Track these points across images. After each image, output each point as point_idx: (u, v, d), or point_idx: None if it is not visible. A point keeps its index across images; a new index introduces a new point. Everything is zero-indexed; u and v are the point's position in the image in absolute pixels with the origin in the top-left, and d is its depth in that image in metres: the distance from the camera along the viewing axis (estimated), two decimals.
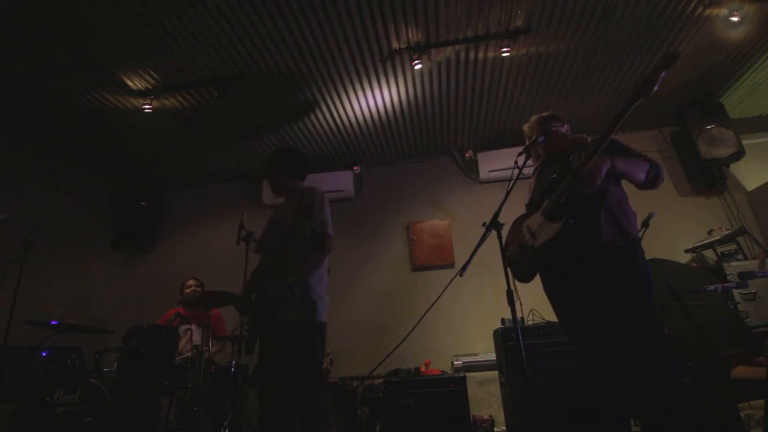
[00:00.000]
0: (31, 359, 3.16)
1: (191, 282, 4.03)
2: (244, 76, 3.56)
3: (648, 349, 1.66)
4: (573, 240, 1.83)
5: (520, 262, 2.11)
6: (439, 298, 2.62)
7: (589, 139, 2.05)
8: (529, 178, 2.30)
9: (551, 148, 2.12)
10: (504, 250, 2.00)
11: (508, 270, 1.96)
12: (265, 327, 2.03)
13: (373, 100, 4.02)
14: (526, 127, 2.25)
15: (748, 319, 3.21)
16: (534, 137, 2.07)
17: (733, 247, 3.79)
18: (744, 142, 4.18)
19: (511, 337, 3.15)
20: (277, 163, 2.39)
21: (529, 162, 2.10)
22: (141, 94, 3.67)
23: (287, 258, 2.07)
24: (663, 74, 1.54)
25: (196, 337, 3.55)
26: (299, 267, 2.02)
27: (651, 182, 1.87)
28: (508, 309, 1.82)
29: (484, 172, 4.77)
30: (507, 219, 2.12)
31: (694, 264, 3.91)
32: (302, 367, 1.94)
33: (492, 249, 2.03)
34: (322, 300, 2.07)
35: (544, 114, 2.22)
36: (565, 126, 2.17)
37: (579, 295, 1.88)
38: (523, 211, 2.27)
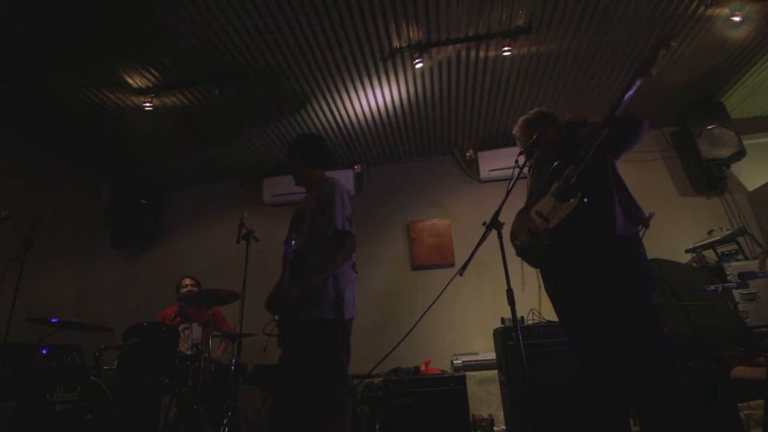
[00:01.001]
0: (31, 357, 3.16)
1: (188, 281, 4.01)
2: (245, 74, 3.55)
3: (648, 349, 1.67)
4: (588, 222, 1.83)
5: (534, 247, 2.08)
6: (439, 297, 2.61)
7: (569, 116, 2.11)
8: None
9: (545, 145, 2.13)
10: (512, 239, 2.00)
11: (510, 270, 1.96)
12: (290, 326, 2.01)
13: (373, 98, 4.01)
14: (515, 130, 2.27)
15: (748, 320, 3.21)
16: (534, 136, 2.08)
17: (733, 247, 3.78)
18: (745, 142, 4.17)
19: (511, 336, 3.15)
20: (296, 151, 2.30)
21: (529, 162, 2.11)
22: (142, 91, 3.67)
23: (309, 258, 2.02)
24: (662, 53, 1.55)
25: (196, 336, 3.55)
26: (323, 268, 1.98)
27: (633, 122, 1.88)
28: (508, 308, 1.82)
29: (484, 172, 4.77)
30: (507, 218, 2.11)
31: (694, 264, 3.91)
32: (321, 367, 1.92)
33: (492, 248, 2.03)
34: (346, 297, 2.03)
35: (529, 116, 2.25)
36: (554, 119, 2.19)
37: (581, 291, 1.88)
38: None
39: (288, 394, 1.94)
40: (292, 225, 2.24)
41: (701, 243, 3.95)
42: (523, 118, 2.26)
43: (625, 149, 1.96)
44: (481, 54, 3.51)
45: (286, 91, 3.83)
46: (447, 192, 5.00)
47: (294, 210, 2.31)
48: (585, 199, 1.81)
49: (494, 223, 1.96)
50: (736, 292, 3.28)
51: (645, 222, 1.90)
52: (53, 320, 2.84)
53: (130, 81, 3.55)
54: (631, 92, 1.67)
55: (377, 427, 3.42)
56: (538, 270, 2.12)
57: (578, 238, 1.86)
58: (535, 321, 3.39)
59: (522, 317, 3.37)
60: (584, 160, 1.79)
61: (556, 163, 1.94)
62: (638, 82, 1.64)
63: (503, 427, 3.40)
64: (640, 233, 1.94)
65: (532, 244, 2.08)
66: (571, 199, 1.85)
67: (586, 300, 1.87)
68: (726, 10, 3.17)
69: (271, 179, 5.00)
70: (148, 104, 3.69)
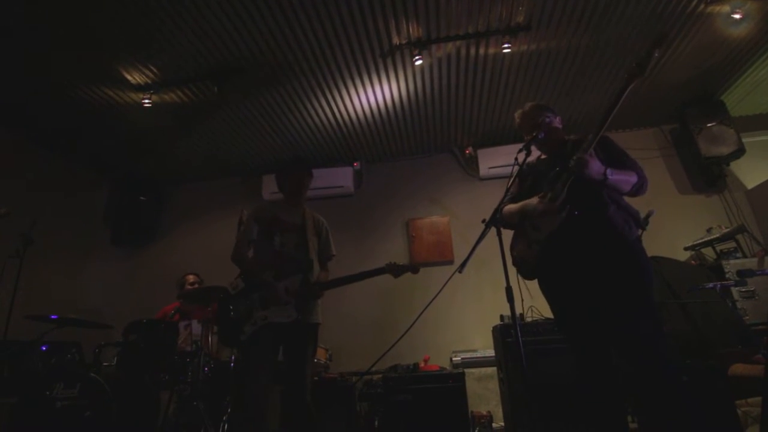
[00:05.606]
0: (30, 354, 3.16)
1: (191, 277, 4.00)
2: (244, 71, 3.54)
3: (649, 347, 1.67)
4: (582, 230, 1.83)
5: (529, 259, 2.05)
6: (438, 294, 2.62)
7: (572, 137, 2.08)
8: None
9: (546, 144, 2.11)
10: (511, 249, 1.99)
11: (509, 267, 1.95)
12: (305, 328, 2.42)
13: (373, 95, 4.01)
14: (518, 115, 2.22)
15: (747, 317, 3.21)
16: (534, 134, 2.06)
17: (732, 245, 3.79)
18: (744, 140, 4.17)
19: (510, 333, 3.14)
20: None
21: (529, 159, 2.10)
22: (141, 88, 3.66)
23: (312, 270, 2.52)
24: (656, 54, 1.60)
25: (196, 332, 3.55)
26: (327, 280, 2.62)
27: (632, 194, 1.92)
28: (507, 305, 1.82)
29: (484, 169, 4.77)
30: None
31: (693, 262, 3.92)
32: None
33: (491, 245, 2.03)
34: None
35: (541, 103, 2.22)
36: (558, 118, 2.15)
37: (580, 289, 1.88)
38: None
39: (296, 386, 2.31)
40: (287, 234, 2.57)
41: (700, 241, 3.96)
42: (531, 104, 2.20)
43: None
44: (481, 51, 3.51)
45: (285, 88, 3.82)
46: (446, 189, 4.99)
47: (280, 215, 2.59)
48: (575, 212, 1.82)
49: (493, 221, 1.95)
50: (734, 290, 3.29)
51: (643, 223, 1.91)
52: (53, 317, 2.84)
53: (129, 78, 3.54)
54: (624, 95, 1.69)
55: (376, 423, 3.43)
56: (537, 266, 2.10)
57: (578, 237, 1.86)
58: (534, 318, 3.39)
59: (521, 314, 3.37)
60: (570, 178, 1.80)
61: (557, 169, 1.93)
62: (632, 84, 1.67)
63: (502, 423, 3.41)
64: (639, 232, 1.94)
65: (527, 255, 2.05)
66: (561, 214, 1.86)
67: (585, 298, 1.87)
68: (726, 8, 3.17)
69: (271, 176, 4.97)
70: (147, 101, 3.68)
